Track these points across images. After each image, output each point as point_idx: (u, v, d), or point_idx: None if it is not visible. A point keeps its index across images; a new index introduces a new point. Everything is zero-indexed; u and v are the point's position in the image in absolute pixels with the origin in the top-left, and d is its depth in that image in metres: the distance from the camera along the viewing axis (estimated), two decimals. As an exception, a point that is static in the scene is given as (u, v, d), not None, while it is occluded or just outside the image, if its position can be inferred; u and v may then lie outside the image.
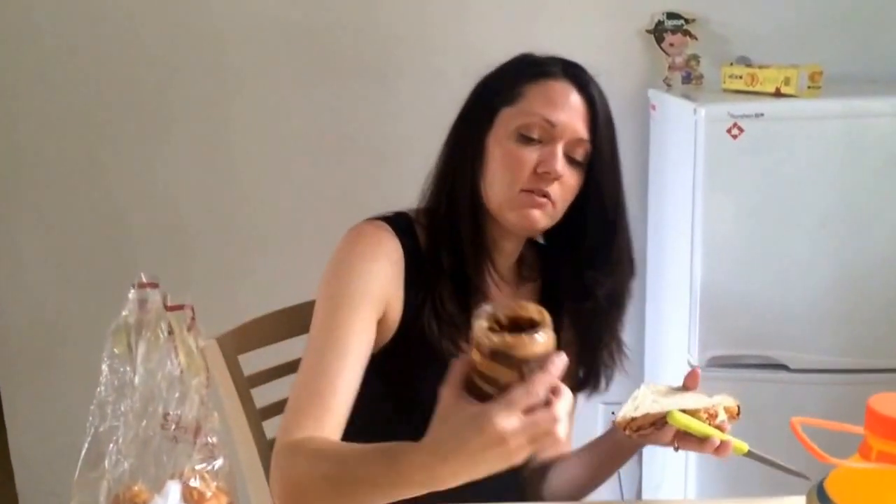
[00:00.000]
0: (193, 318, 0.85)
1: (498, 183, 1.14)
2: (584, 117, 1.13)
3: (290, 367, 1.38)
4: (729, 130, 1.81)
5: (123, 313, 0.84)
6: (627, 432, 1.01)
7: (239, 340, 1.35)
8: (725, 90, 2.08)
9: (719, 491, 2.00)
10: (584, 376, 1.25)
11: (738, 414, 1.04)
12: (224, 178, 2.36)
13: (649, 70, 2.28)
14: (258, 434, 1.34)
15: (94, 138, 2.32)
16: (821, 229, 1.88)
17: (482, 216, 1.17)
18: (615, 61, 2.26)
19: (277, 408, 1.37)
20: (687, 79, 2.24)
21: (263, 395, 1.38)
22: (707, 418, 1.01)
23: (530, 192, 1.12)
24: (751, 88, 2.00)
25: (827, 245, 1.89)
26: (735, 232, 1.90)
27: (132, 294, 0.84)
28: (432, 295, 1.13)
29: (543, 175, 1.11)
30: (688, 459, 2.01)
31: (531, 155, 1.12)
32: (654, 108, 2.22)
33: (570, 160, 1.13)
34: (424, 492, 0.83)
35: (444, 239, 1.16)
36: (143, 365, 0.83)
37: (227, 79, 2.29)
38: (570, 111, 1.12)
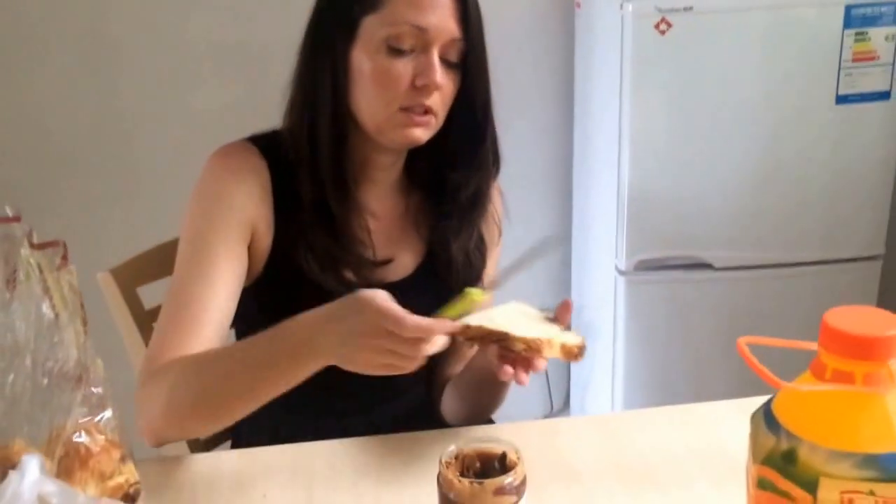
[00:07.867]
0: (65, 257, 0.73)
1: (371, 102, 1.03)
2: (454, 12, 1.02)
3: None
4: (657, 26, 1.76)
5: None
6: (461, 339, 0.93)
7: (136, 271, 1.24)
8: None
9: (646, 398, 2.02)
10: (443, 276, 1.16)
11: (578, 354, 0.93)
12: (105, 88, 2.14)
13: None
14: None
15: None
16: (747, 125, 1.87)
17: (353, 135, 1.07)
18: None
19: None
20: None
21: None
22: (524, 350, 0.91)
23: (409, 109, 1.02)
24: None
25: (753, 141, 1.88)
26: (662, 131, 1.87)
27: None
28: (301, 228, 1.05)
29: (422, 88, 1.01)
30: (615, 367, 2.01)
31: (405, 68, 1.01)
32: (578, 5, 2.14)
33: (446, 63, 1.03)
34: (300, 372, 0.88)
35: (305, 166, 1.06)
36: (3, 311, 0.71)
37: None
38: (439, 9, 1.01)
